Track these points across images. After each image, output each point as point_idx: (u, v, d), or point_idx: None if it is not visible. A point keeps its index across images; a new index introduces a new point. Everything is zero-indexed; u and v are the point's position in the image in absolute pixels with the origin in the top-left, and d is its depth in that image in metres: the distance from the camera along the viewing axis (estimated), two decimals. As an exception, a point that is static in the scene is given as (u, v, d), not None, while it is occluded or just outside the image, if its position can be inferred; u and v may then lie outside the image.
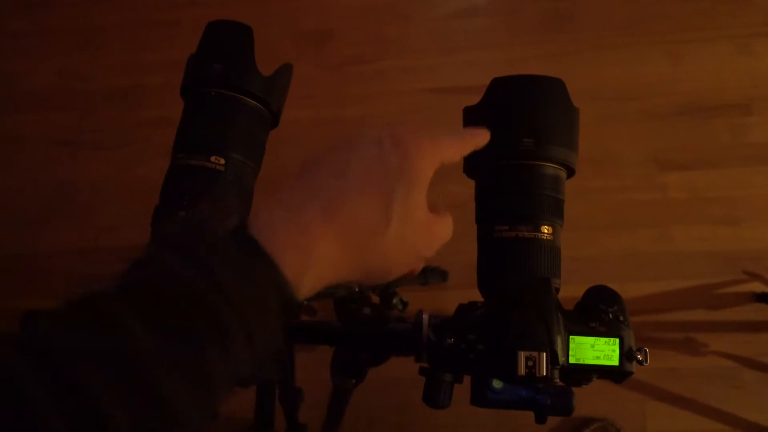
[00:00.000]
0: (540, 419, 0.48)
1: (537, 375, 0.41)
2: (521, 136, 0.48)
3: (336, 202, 0.34)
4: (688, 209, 1.45)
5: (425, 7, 1.69)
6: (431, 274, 1.35)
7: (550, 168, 0.49)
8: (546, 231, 0.48)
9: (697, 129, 1.51)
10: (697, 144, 1.49)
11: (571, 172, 0.51)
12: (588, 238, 1.40)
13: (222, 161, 0.52)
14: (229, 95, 0.54)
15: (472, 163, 0.51)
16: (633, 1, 1.64)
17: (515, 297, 0.44)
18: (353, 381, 0.68)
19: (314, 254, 0.32)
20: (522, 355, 0.41)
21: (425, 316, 0.58)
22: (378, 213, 0.35)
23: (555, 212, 0.49)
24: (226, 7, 1.69)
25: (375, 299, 0.68)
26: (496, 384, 0.49)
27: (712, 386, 1.31)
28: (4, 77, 1.76)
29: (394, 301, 0.65)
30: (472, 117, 0.52)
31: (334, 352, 0.69)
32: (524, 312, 0.43)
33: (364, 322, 0.65)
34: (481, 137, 0.46)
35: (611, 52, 1.57)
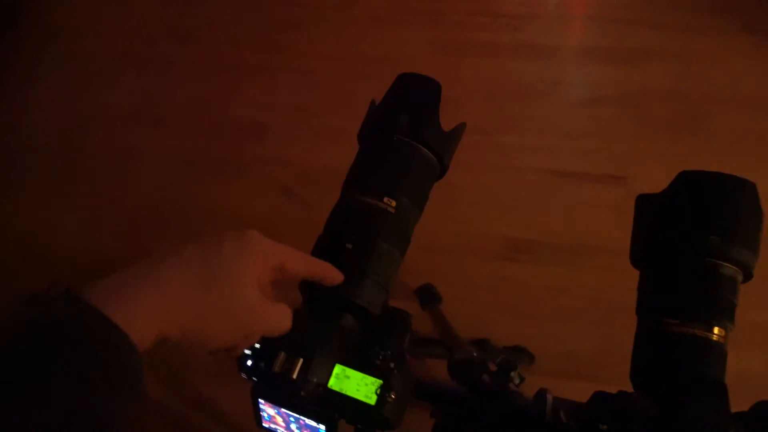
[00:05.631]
0: None
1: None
2: (709, 232, 0.47)
3: (160, 269, 0.39)
4: None
5: (552, 91, 1.71)
6: (519, 355, 1.30)
7: (731, 269, 0.48)
8: (717, 333, 0.47)
9: None
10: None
11: (747, 277, 0.50)
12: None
13: (393, 203, 0.54)
14: (411, 144, 0.56)
15: (646, 252, 0.50)
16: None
17: (687, 397, 0.42)
18: (460, 448, 0.66)
19: (136, 305, 0.37)
20: (695, 459, 0.39)
21: (549, 396, 0.56)
22: (198, 280, 0.40)
23: (728, 316, 0.47)
24: (358, 63, 1.77)
25: (492, 367, 0.67)
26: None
27: None
28: (145, 94, 1.91)
29: (512, 374, 0.64)
30: (650, 205, 0.51)
31: (444, 414, 0.67)
32: (699, 416, 0.41)
33: (485, 390, 0.64)
34: (330, 272, 0.50)
35: (742, 163, 1.51)
